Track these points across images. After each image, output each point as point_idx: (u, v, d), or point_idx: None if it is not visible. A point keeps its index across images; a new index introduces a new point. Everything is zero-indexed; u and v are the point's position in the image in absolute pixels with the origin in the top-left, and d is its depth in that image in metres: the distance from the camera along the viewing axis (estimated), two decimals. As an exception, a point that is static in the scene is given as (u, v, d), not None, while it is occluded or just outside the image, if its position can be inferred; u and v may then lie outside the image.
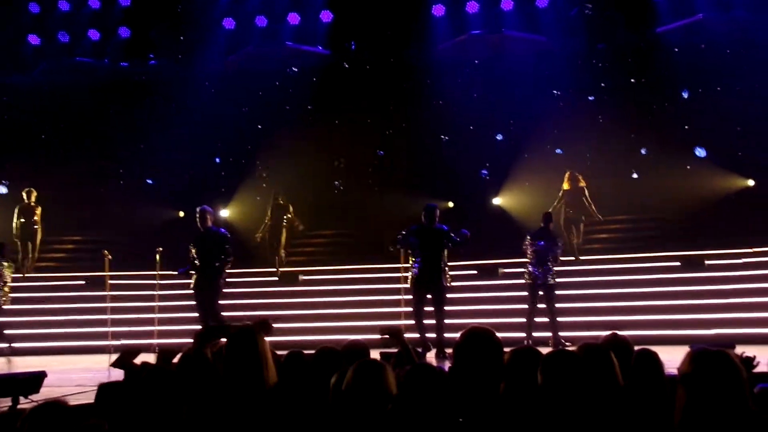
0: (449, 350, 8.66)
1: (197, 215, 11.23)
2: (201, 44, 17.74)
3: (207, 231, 11.17)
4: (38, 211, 15.42)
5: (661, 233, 15.17)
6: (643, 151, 16.02)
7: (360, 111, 17.23)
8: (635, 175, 15.94)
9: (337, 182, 16.98)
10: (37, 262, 15.59)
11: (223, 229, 11.67)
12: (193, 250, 11.14)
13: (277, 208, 15.26)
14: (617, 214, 15.67)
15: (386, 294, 13.05)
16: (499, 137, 16.78)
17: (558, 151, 16.29)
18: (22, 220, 15.29)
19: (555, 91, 16.46)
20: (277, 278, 14.63)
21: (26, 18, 18.17)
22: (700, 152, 15.59)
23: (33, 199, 15.38)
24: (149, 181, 17.38)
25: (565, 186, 14.59)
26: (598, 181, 15.04)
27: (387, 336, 5.45)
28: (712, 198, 15.20)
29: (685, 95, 15.87)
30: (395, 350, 5.52)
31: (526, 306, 11.74)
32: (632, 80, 16.36)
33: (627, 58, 16.46)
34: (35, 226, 15.33)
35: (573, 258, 13.97)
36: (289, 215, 15.18)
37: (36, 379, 7.16)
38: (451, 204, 16.14)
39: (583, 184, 14.56)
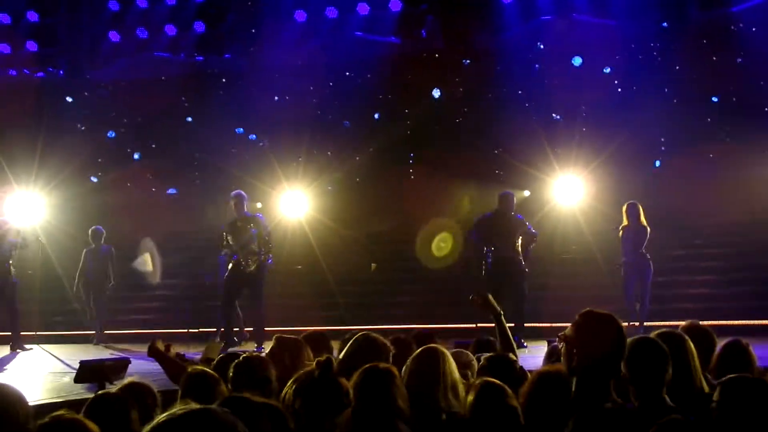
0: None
1: (232, 200, 11.34)
2: (273, 37, 18.05)
3: (243, 217, 11.27)
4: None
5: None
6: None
7: (428, 99, 17.31)
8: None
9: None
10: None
11: (259, 214, 11.76)
12: (228, 237, 11.22)
13: None
14: (711, 246, 13.87)
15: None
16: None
17: (656, 163, 15.93)
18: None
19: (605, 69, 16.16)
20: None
21: (106, 15, 18.80)
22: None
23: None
24: None
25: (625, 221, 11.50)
26: (672, 184, 14.50)
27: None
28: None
29: None
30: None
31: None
32: (708, 62, 16.00)
33: (701, 39, 16.13)
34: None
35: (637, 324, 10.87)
36: None
37: (122, 365, 7.51)
38: (527, 193, 15.92)
39: (644, 221, 11.46)
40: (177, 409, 3.18)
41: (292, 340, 4.97)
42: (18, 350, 12.02)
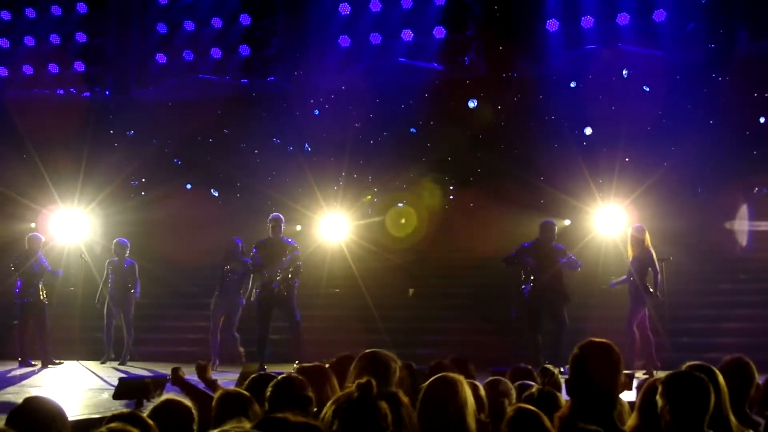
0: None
1: (270, 223, 11.72)
2: (317, 61, 18.20)
3: (279, 240, 11.66)
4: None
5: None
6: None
7: (470, 125, 17.30)
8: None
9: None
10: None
11: (292, 241, 12.15)
12: (261, 255, 11.56)
13: None
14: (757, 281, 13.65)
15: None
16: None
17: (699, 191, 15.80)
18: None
19: (645, 87, 16.01)
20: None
21: (154, 37, 19.12)
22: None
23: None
24: None
25: (631, 251, 11.26)
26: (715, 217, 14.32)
27: None
28: None
29: None
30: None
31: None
32: (755, 94, 15.83)
33: (749, 71, 15.96)
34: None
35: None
36: None
37: (161, 383, 7.52)
38: (568, 222, 15.81)
39: (649, 243, 11.15)
40: (230, 427, 3.17)
41: (315, 368, 4.94)
42: (49, 365, 12.22)
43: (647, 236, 11.16)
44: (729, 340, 11.47)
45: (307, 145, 18.19)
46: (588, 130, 16.65)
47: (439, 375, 4.05)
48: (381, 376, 4.07)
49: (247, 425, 3.31)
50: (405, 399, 3.80)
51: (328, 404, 3.61)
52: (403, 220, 16.53)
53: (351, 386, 3.74)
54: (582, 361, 3.69)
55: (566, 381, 3.71)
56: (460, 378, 4.00)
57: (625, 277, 11.37)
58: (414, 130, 17.94)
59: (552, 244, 11.25)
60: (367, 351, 4.48)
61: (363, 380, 3.62)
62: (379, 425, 3.46)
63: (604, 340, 3.88)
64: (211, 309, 12.36)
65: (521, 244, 11.59)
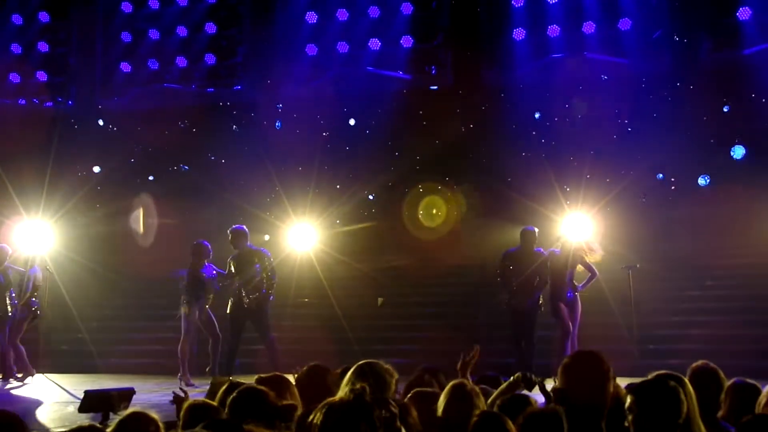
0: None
1: (230, 234, 11.48)
2: (284, 70, 18.14)
3: (246, 250, 11.41)
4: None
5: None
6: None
7: (437, 135, 17.34)
8: None
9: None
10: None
11: (264, 249, 11.89)
12: (233, 266, 11.33)
13: None
14: (722, 288, 13.87)
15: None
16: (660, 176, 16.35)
17: (660, 176, 15.96)
18: None
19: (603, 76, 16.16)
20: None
21: (118, 46, 18.93)
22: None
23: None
24: None
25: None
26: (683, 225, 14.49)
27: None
28: None
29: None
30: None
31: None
32: (720, 104, 16.04)
33: (713, 81, 16.18)
34: None
35: None
36: None
37: (127, 395, 7.40)
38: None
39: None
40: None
41: (274, 377, 4.91)
42: (11, 380, 12.01)
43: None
44: (694, 347, 11.53)
45: (278, 122, 18.11)
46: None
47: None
48: (376, 387, 4.06)
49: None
50: (413, 411, 3.80)
51: (317, 410, 3.55)
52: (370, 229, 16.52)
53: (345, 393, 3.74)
54: (570, 371, 3.67)
55: (555, 390, 3.69)
56: None
57: (586, 280, 11.51)
58: (353, 122, 17.90)
59: (533, 249, 11.42)
60: (363, 362, 4.47)
61: (358, 386, 3.60)
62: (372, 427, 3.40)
63: (592, 350, 3.85)
64: (187, 316, 11.59)
65: (506, 250, 11.79)
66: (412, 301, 14.77)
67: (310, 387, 4.74)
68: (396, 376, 4.46)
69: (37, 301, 12.41)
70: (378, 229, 16.57)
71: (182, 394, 5.35)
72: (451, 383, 4.31)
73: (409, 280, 15.16)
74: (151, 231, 13.76)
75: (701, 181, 15.94)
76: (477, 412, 4.02)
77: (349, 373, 4.39)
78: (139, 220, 13.95)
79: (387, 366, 4.44)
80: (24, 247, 13.47)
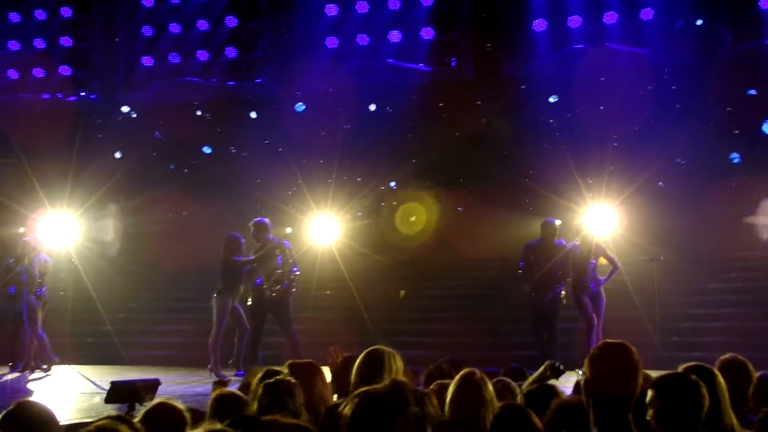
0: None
1: (252, 227, 11.53)
2: (304, 63, 18.16)
3: (268, 242, 11.43)
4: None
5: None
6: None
7: (459, 127, 17.32)
8: None
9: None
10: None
11: (286, 241, 11.88)
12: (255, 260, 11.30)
13: None
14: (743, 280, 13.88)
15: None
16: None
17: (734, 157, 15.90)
18: None
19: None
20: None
21: (140, 40, 19.04)
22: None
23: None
24: None
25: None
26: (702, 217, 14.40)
27: None
28: None
29: None
30: None
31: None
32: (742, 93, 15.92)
33: (734, 71, 16.04)
34: None
35: None
36: None
37: (152, 386, 7.48)
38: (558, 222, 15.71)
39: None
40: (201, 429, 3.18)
41: (305, 364, 4.94)
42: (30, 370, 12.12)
43: None
44: (718, 339, 11.48)
45: (302, 105, 18.11)
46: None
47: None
48: (381, 373, 4.11)
49: (218, 426, 3.32)
50: (434, 400, 3.80)
51: (349, 398, 3.54)
52: (398, 222, 16.55)
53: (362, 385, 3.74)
54: (599, 361, 3.66)
55: (583, 381, 3.68)
56: None
57: (609, 274, 11.50)
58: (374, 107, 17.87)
59: (554, 242, 11.43)
60: (370, 348, 4.50)
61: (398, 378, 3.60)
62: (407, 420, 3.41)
63: (621, 341, 3.81)
64: (221, 309, 11.48)
65: (528, 242, 11.80)
66: (433, 294, 14.79)
67: (347, 378, 4.74)
68: (400, 362, 4.48)
69: (45, 289, 12.52)
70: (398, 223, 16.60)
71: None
72: (460, 373, 4.32)
73: (431, 273, 15.17)
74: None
75: (733, 157, 15.81)
76: (487, 401, 4.03)
77: (358, 361, 4.44)
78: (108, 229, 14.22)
79: (392, 351, 4.48)
80: (49, 241, 13.60)
